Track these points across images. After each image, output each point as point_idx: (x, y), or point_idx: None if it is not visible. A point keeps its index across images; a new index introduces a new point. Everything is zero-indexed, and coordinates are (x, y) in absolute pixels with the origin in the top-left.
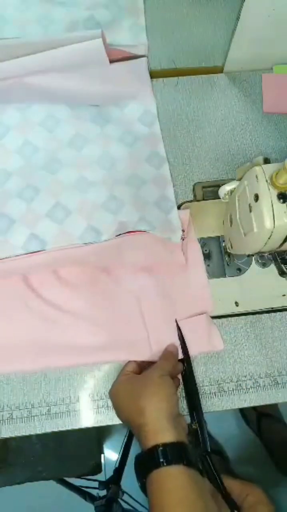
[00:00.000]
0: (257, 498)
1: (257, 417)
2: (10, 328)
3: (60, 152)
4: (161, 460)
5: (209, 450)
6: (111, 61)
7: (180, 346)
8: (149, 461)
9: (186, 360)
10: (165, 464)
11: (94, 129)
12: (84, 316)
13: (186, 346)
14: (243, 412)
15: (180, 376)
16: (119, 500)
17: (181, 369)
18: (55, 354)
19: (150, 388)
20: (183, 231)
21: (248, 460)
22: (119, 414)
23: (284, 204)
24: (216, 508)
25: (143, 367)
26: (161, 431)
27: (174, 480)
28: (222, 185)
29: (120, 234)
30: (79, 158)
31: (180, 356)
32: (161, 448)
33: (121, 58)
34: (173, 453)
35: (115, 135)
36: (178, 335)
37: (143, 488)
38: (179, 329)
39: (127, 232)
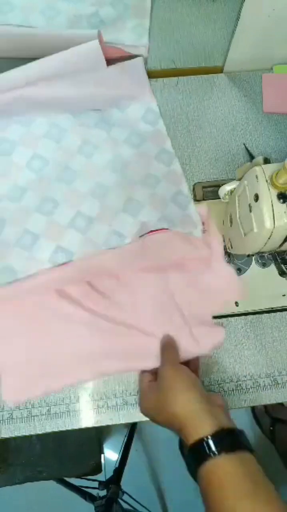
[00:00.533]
0: None
1: (271, 423)
2: (58, 341)
3: (71, 161)
4: (207, 453)
5: None
6: (108, 59)
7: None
8: (195, 457)
9: None
10: (212, 456)
11: (100, 134)
12: (129, 320)
13: None
14: (257, 419)
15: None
16: (119, 500)
17: (197, 364)
18: (106, 359)
19: (168, 387)
20: (203, 223)
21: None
22: (160, 425)
23: (284, 204)
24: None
25: (156, 372)
26: (200, 424)
27: (221, 471)
28: (222, 185)
29: (143, 235)
30: (91, 165)
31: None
32: (205, 440)
33: (119, 57)
34: (217, 443)
35: (122, 138)
36: None
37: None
38: None
39: (149, 232)
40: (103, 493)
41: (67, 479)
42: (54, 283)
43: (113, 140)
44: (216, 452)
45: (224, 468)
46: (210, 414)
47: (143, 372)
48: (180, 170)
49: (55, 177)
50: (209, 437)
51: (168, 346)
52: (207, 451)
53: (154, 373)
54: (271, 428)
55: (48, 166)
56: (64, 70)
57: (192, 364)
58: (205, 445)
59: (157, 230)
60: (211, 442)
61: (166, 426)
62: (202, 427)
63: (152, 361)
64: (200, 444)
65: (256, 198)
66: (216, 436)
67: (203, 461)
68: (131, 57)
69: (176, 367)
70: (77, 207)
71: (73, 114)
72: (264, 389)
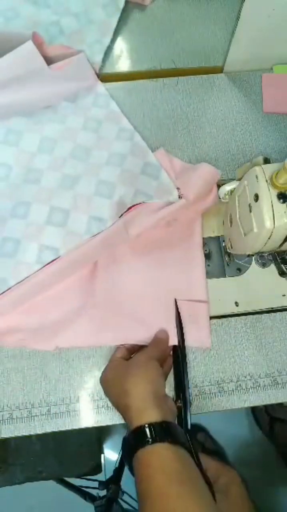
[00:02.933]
0: (230, 478)
1: (269, 422)
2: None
3: (34, 161)
4: (147, 439)
5: (189, 428)
6: (52, 57)
7: (175, 328)
8: (135, 441)
9: (180, 339)
10: (150, 442)
11: (56, 128)
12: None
13: (181, 326)
14: (256, 418)
15: (171, 361)
16: (119, 500)
17: (169, 353)
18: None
19: (135, 371)
20: (178, 188)
21: (257, 463)
22: (109, 399)
23: (284, 204)
24: (203, 483)
25: (132, 352)
26: (146, 411)
27: (157, 456)
28: (222, 185)
29: (122, 214)
30: (54, 160)
31: (174, 342)
32: (146, 427)
33: (62, 55)
34: (158, 432)
35: (78, 126)
36: (176, 315)
37: (132, 469)
38: (177, 308)
39: (127, 209)
40: (103, 493)
41: (67, 479)
42: (46, 282)
43: (70, 130)
44: (156, 439)
45: (160, 452)
46: (158, 408)
47: (119, 346)
48: (143, 143)
49: (22, 180)
50: (154, 424)
51: (158, 342)
52: (149, 436)
53: (131, 351)
54: (270, 427)
55: (13, 170)
56: (3, 76)
57: (166, 365)
58: (149, 430)
59: (135, 205)
60: (154, 430)
61: (113, 403)
62: (148, 414)
63: (143, 335)
64: (141, 429)
65: (256, 198)
66: (159, 426)
67: (144, 444)
68: (73, 53)
69: (152, 360)
70: (49, 203)
71: (25, 115)
72: (264, 389)
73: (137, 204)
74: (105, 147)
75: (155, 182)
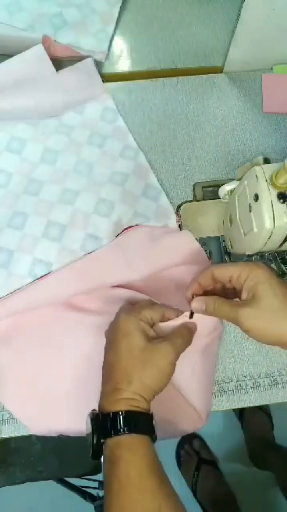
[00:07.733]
0: (256, 279)
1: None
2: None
3: (35, 172)
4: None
5: None
6: (58, 59)
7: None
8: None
9: None
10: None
11: (61, 139)
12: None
13: None
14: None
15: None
16: None
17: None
18: None
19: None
20: (177, 215)
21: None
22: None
23: (284, 204)
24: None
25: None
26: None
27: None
28: (222, 185)
29: (119, 234)
30: (56, 172)
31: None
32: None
33: (69, 57)
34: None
35: (83, 140)
36: None
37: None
38: None
39: (124, 230)
40: (103, 493)
41: (67, 479)
42: (37, 297)
43: (75, 143)
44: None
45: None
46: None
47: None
48: (146, 164)
49: (21, 190)
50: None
51: (185, 333)
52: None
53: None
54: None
55: (13, 179)
56: (10, 79)
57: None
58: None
59: (131, 226)
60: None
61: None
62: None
63: None
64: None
65: (256, 198)
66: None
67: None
68: (82, 57)
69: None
70: (47, 216)
71: (30, 124)
72: (264, 389)
73: (133, 226)
74: (108, 164)
75: (154, 205)
